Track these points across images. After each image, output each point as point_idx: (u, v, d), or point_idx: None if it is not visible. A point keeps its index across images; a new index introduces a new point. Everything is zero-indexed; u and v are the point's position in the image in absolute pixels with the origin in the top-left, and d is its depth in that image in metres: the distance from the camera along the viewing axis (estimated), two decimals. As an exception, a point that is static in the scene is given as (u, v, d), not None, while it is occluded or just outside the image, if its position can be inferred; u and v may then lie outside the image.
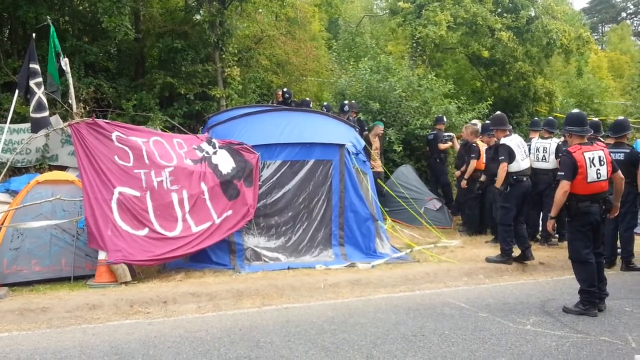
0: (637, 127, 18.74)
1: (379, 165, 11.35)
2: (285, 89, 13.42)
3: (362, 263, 7.89)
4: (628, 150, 8.17)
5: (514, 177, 8.07)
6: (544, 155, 9.32)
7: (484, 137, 10.07)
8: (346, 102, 11.96)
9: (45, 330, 5.52)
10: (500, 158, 8.08)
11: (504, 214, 8.15)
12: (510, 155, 8.05)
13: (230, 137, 8.32)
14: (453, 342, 5.05)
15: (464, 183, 10.34)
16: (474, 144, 10.27)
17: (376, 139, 11.66)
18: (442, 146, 12.08)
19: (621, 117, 9.45)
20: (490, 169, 9.69)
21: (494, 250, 9.08)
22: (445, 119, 12.40)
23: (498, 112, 8.75)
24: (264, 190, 7.98)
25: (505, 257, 8.10)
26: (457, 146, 11.87)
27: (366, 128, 11.80)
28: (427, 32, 16.33)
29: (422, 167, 13.40)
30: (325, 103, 13.17)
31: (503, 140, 8.18)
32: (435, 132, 12.32)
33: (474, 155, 10.16)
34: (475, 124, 11.36)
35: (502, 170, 8.05)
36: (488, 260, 8.18)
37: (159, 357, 4.75)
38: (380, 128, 11.80)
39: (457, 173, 10.96)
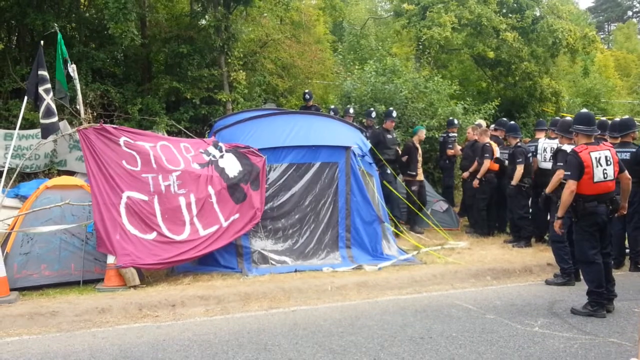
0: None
1: (421, 174, 11.03)
2: (306, 91, 13.48)
3: (369, 265, 7.91)
4: (634, 150, 8.14)
5: None
6: (551, 156, 9.27)
7: (510, 138, 9.98)
8: (372, 110, 11.76)
9: (55, 334, 5.57)
10: (558, 164, 7.33)
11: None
12: None
13: (236, 141, 8.37)
14: (460, 344, 5.06)
15: (476, 182, 10.23)
16: (487, 144, 10.22)
17: (418, 144, 11.14)
18: (448, 152, 12.08)
19: (626, 116, 9.41)
20: (508, 170, 9.78)
21: (503, 251, 9.09)
22: (456, 122, 12.33)
23: (566, 118, 8.37)
24: (270, 193, 8.01)
25: (566, 277, 7.34)
26: (458, 150, 11.86)
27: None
28: (431, 33, 16.33)
29: (429, 169, 13.40)
30: (332, 106, 13.21)
31: (565, 147, 7.43)
32: (444, 135, 12.34)
33: (487, 155, 10.10)
34: (480, 125, 11.36)
35: (558, 177, 7.11)
36: (548, 282, 7.44)
37: (168, 360, 4.79)
38: (423, 132, 11.26)
39: (465, 174, 10.93)
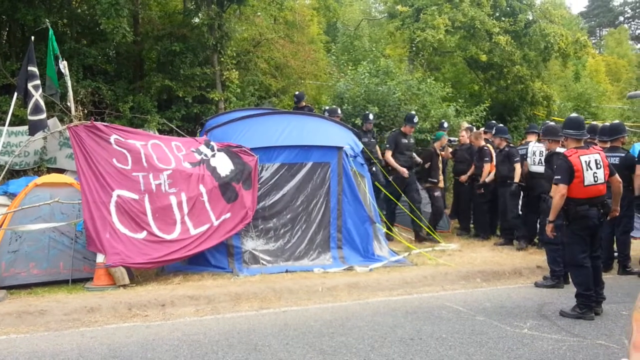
0: (634, 130, 18.81)
1: (442, 180, 10.71)
2: (297, 92, 13.32)
3: (360, 266, 7.90)
4: (623, 154, 8.21)
5: None
6: (540, 159, 9.30)
7: (496, 139, 10.00)
8: (369, 112, 11.30)
9: (44, 333, 5.53)
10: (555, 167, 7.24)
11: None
12: None
13: (228, 140, 8.34)
14: (450, 345, 5.07)
15: (480, 189, 10.15)
16: (486, 147, 10.20)
17: (439, 150, 10.76)
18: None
19: (616, 121, 9.49)
20: (500, 171, 9.75)
21: (493, 254, 9.12)
22: (445, 125, 12.23)
23: (551, 123, 8.34)
24: (262, 192, 8.00)
25: (555, 280, 7.36)
26: (449, 153, 11.82)
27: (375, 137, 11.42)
28: (425, 35, 16.38)
29: (420, 171, 13.41)
30: (326, 107, 13.17)
31: (559, 151, 7.41)
32: (434, 138, 12.28)
33: (487, 159, 10.07)
34: (471, 128, 11.38)
35: None
36: (537, 285, 7.45)
37: (157, 360, 4.76)
38: (445, 139, 10.82)
39: (464, 178, 10.85)
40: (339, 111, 11.57)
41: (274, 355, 4.83)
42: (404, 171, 9.82)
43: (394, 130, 11.02)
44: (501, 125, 10.67)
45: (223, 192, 7.76)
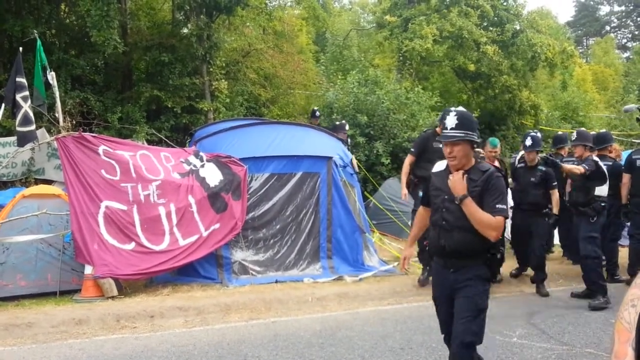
0: (621, 139, 19.02)
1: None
2: (315, 108, 12.87)
3: (349, 276, 7.90)
4: (610, 163, 8.27)
5: (602, 204, 7.06)
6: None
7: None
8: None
9: (31, 345, 5.46)
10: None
11: (590, 244, 6.93)
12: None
13: (217, 150, 8.34)
14: (440, 355, 5.06)
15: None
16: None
17: (496, 162, 8.02)
18: None
19: (603, 130, 9.57)
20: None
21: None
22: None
23: (582, 129, 7.98)
24: (251, 202, 7.98)
25: (606, 295, 6.90)
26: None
27: (348, 144, 10.77)
28: (413, 45, 16.53)
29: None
30: (315, 108, 13.08)
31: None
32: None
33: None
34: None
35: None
36: (592, 306, 6.77)
37: (145, 372, 4.72)
38: (498, 147, 8.43)
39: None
40: (347, 127, 11.05)
41: (263, 366, 4.81)
42: (404, 194, 7.75)
43: (426, 129, 9.27)
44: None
45: (212, 202, 7.74)
